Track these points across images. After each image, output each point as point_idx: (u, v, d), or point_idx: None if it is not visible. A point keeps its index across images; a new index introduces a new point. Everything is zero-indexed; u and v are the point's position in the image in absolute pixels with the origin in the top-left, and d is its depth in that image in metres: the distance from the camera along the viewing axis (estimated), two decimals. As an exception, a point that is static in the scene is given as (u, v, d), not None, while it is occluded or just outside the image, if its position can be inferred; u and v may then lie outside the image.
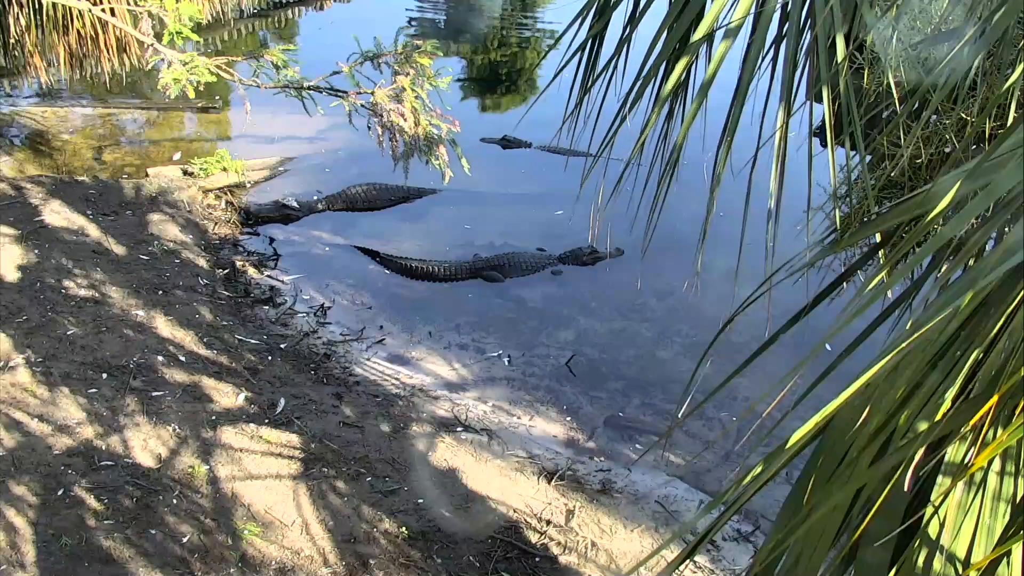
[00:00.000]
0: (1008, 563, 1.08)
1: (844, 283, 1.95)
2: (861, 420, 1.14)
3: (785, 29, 1.95)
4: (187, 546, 3.61)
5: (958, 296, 1.01)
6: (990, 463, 1.11)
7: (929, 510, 1.12)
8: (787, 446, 1.14)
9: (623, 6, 2.16)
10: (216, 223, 7.52)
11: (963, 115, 2.23)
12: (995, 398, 0.99)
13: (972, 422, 1.06)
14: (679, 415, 5.16)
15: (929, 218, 1.12)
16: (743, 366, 1.59)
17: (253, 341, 5.64)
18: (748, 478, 1.17)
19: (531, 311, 6.76)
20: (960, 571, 1.10)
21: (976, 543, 1.12)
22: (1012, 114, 1.77)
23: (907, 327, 1.08)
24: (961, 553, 1.12)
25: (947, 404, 1.10)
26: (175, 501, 3.84)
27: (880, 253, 1.92)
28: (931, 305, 1.10)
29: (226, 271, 6.69)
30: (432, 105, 5.11)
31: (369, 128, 5.18)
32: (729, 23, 1.86)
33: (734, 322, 1.78)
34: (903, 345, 1.06)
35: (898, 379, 1.11)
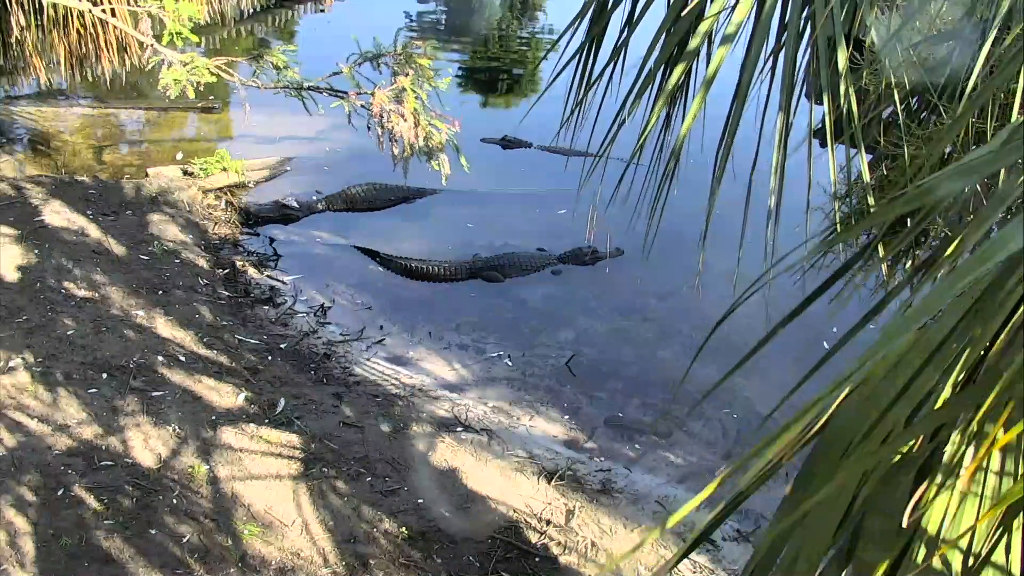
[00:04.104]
0: (1007, 548, 1.08)
1: (842, 279, 1.95)
2: (860, 416, 1.14)
3: (785, 30, 1.95)
4: (187, 546, 3.61)
5: (956, 288, 1.01)
6: (989, 460, 1.11)
7: (927, 508, 1.12)
8: (784, 435, 1.13)
9: (622, 7, 2.15)
10: (216, 223, 7.52)
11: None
12: (994, 392, 0.99)
13: (970, 416, 1.06)
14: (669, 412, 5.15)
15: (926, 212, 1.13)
16: (740, 364, 1.59)
17: (253, 341, 5.64)
18: (748, 477, 1.17)
19: (531, 311, 6.76)
20: (959, 570, 1.10)
21: (975, 543, 1.12)
22: (1016, 113, 1.78)
23: (903, 316, 1.08)
24: (960, 552, 1.12)
25: (945, 395, 1.10)
26: (175, 501, 3.84)
27: (880, 248, 1.92)
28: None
29: (226, 271, 6.70)
30: (432, 106, 5.12)
31: (369, 128, 5.19)
32: (727, 27, 1.86)
33: (732, 323, 1.79)
34: (901, 340, 1.06)
35: (897, 373, 1.11)
